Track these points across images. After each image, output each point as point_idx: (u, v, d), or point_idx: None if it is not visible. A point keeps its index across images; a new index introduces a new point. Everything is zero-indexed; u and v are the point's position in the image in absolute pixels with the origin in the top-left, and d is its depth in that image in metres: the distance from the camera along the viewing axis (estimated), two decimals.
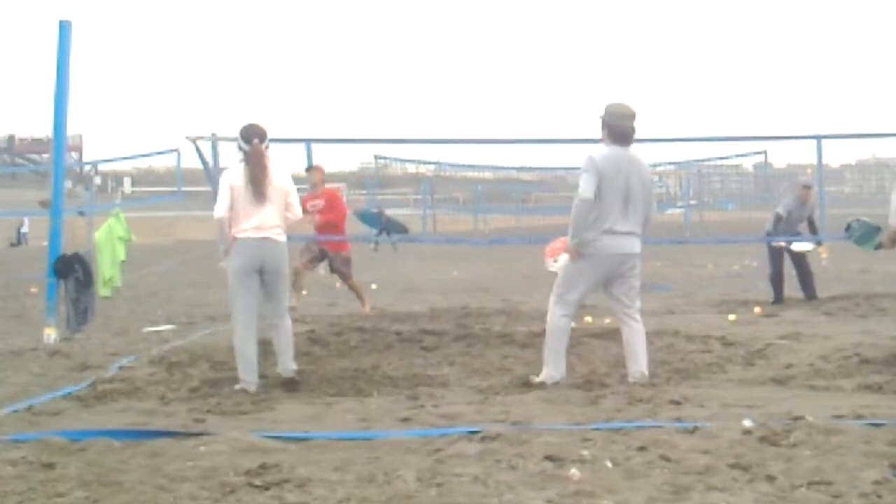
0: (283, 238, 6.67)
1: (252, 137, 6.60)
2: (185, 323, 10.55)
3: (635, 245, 6.48)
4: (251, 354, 6.50)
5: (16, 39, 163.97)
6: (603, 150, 6.50)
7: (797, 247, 11.96)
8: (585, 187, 6.35)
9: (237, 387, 6.41)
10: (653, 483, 4.04)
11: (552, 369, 6.43)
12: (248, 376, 6.45)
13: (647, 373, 6.46)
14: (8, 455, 4.59)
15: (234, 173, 6.65)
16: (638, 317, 6.56)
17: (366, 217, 13.27)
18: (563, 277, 6.55)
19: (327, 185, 11.77)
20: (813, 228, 12.14)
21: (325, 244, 11.27)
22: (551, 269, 7.15)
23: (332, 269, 11.66)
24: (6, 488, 4.09)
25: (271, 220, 6.57)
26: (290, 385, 6.48)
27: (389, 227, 11.90)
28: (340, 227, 11.41)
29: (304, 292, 11.01)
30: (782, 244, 11.86)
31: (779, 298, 11.87)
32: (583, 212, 6.37)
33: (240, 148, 6.67)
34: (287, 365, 6.61)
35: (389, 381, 6.74)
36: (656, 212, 6.82)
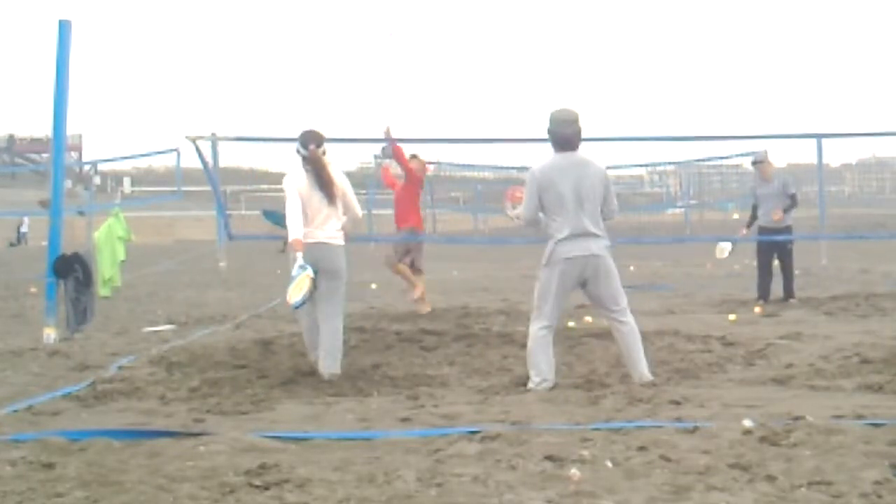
0: (341, 241, 6.97)
1: (309, 143, 6.88)
2: (185, 323, 10.55)
3: (594, 246, 6.39)
4: (310, 340, 7.05)
5: (16, 39, 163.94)
6: (545, 161, 6.54)
7: (718, 252, 12.05)
8: (525, 208, 6.54)
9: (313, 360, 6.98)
10: (653, 483, 4.04)
11: (534, 376, 6.40)
12: (312, 356, 7.04)
13: (648, 373, 6.47)
14: (7, 455, 4.59)
15: (297, 179, 6.89)
16: (625, 318, 6.49)
17: (270, 216, 13.17)
18: (537, 290, 6.56)
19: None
20: (794, 201, 11.99)
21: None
22: (509, 213, 7.28)
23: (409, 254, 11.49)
24: (6, 488, 4.08)
25: (331, 225, 6.89)
26: (331, 379, 6.77)
27: None
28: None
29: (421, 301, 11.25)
30: (780, 214, 11.73)
31: (763, 295, 11.82)
32: (534, 228, 6.62)
33: (298, 153, 6.95)
34: (325, 366, 6.86)
35: (389, 381, 6.74)
36: (617, 212, 6.78)
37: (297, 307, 6.80)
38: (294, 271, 6.74)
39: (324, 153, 6.91)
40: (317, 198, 6.83)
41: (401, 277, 11.57)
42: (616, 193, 6.79)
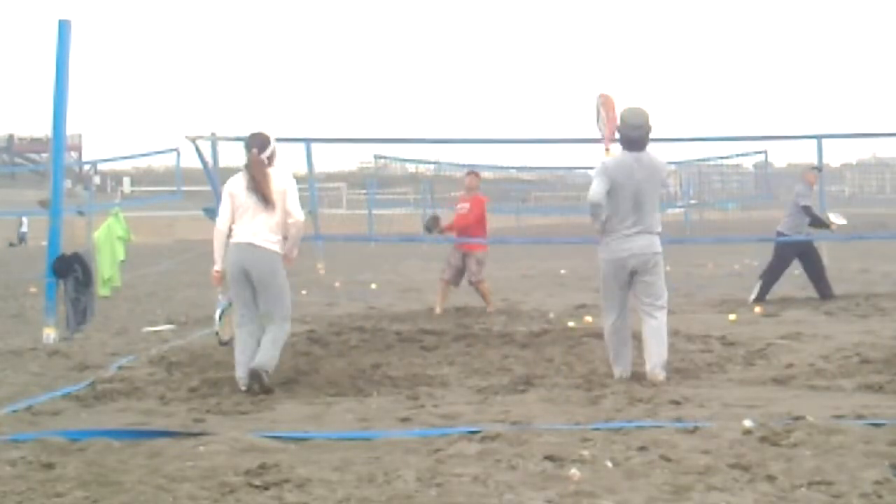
0: (273, 246, 6.57)
1: (251, 146, 6.69)
2: (185, 323, 10.54)
3: (646, 243, 6.65)
4: (240, 356, 6.52)
5: (16, 39, 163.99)
6: (615, 156, 6.82)
7: (837, 219, 11.82)
8: (594, 190, 6.70)
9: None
10: (653, 483, 4.04)
11: (615, 367, 6.73)
12: (239, 372, 6.49)
13: (660, 372, 6.55)
14: (7, 455, 4.59)
15: (234, 181, 6.75)
16: (657, 314, 6.67)
17: (210, 213, 13.05)
18: (601, 288, 6.94)
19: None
20: (820, 224, 12.06)
21: (460, 245, 11.46)
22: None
23: (465, 268, 11.51)
24: (6, 488, 4.09)
25: (263, 227, 6.55)
26: (254, 377, 6.33)
27: None
28: (476, 228, 11.47)
29: (437, 310, 11.27)
30: (832, 225, 11.71)
31: (762, 297, 11.77)
32: (595, 214, 6.68)
33: (246, 156, 6.76)
34: (258, 358, 6.41)
35: (389, 381, 6.74)
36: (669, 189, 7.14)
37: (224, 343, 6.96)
38: (219, 307, 6.89)
39: (269, 157, 6.66)
40: (252, 201, 6.56)
41: (482, 294, 11.48)
42: None
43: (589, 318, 9.73)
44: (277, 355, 6.55)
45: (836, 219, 11.96)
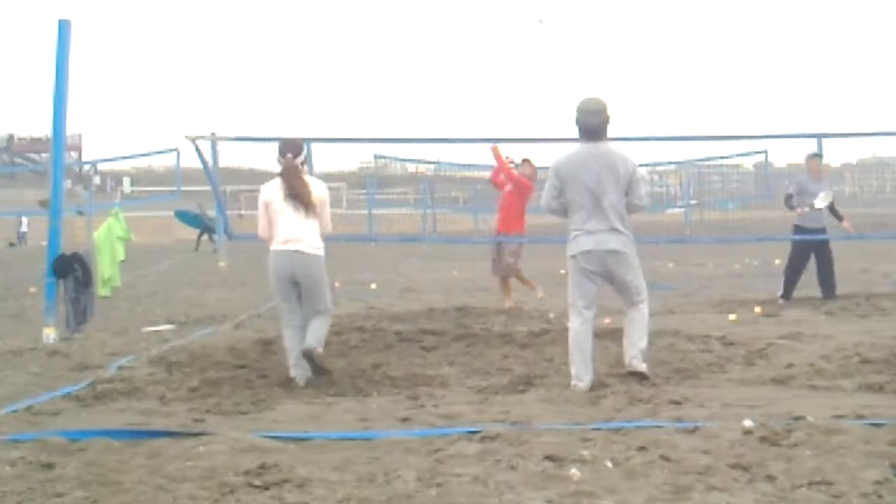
0: (319, 251, 6.75)
1: (286, 152, 6.79)
2: (185, 323, 10.54)
3: (613, 241, 6.41)
4: (292, 356, 6.72)
5: (15, 39, 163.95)
6: (569, 152, 6.57)
7: (818, 203, 11.55)
8: (543, 198, 6.65)
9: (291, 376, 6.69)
10: (653, 483, 4.04)
11: (574, 373, 6.36)
12: (293, 370, 6.68)
13: (638, 363, 6.42)
14: (7, 455, 4.59)
15: (269, 188, 6.85)
16: (637, 308, 6.55)
17: (183, 216, 13.07)
18: (569, 284, 6.61)
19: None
20: (835, 214, 11.99)
21: (498, 234, 11.78)
22: None
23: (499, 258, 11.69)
24: (5, 488, 4.09)
25: (307, 233, 6.70)
26: (307, 356, 6.54)
27: (211, 228, 11.33)
28: (515, 219, 11.61)
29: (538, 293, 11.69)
30: (805, 209, 11.49)
31: (787, 294, 11.71)
32: (557, 215, 6.64)
33: (278, 161, 6.87)
34: (307, 340, 6.60)
35: (389, 381, 6.74)
36: (647, 203, 6.77)
37: None
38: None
39: (303, 162, 6.85)
40: (291, 207, 6.70)
41: (522, 283, 11.75)
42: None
43: None
44: (324, 336, 6.77)
45: (820, 202, 11.77)
